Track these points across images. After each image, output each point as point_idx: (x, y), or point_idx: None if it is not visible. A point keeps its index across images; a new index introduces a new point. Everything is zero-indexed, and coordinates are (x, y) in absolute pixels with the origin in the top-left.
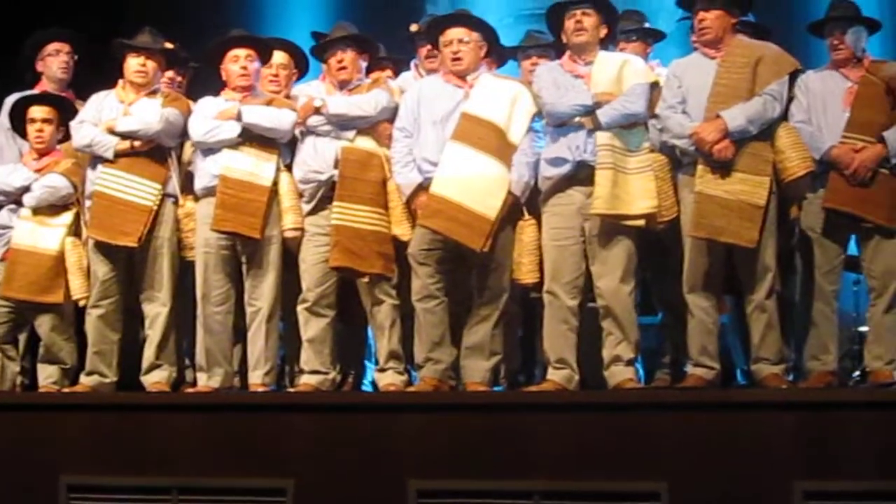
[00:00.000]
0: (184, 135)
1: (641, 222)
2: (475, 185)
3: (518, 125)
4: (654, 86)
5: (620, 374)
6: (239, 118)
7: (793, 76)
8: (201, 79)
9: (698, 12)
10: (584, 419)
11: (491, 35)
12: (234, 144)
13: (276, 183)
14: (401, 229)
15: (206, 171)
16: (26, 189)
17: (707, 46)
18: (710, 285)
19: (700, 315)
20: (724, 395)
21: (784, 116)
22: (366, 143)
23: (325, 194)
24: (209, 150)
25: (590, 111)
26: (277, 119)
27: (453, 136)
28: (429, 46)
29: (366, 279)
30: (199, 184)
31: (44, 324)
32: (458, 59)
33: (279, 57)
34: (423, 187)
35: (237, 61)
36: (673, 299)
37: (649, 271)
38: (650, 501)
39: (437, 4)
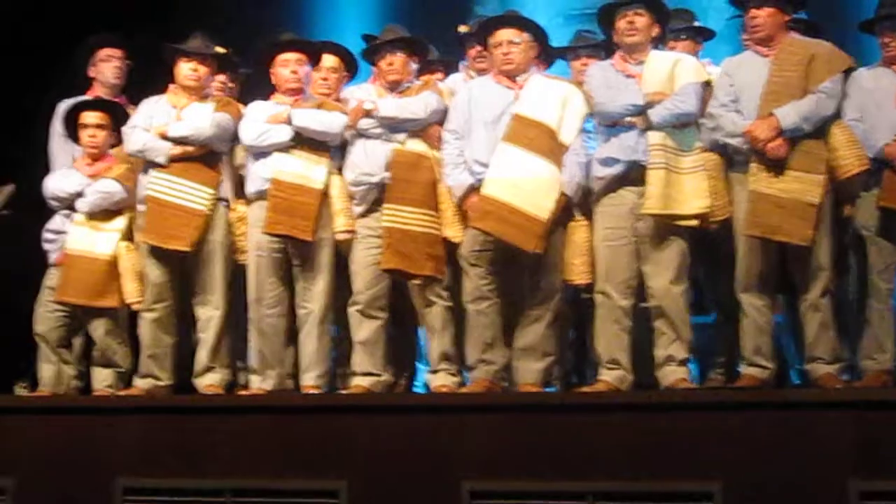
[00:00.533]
0: (235, 139)
1: (695, 222)
2: (527, 187)
3: (569, 126)
4: (707, 85)
5: (673, 374)
6: (290, 122)
7: (846, 73)
8: (252, 83)
9: (750, 10)
10: (637, 420)
11: (541, 36)
12: (285, 148)
13: (327, 186)
14: (452, 231)
15: (257, 175)
16: (80, 194)
17: (759, 44)
18: (764, 284)
19: (754, 314)
20: (779, 395)
21: (838, 114)
22: (416, 146)
23: (376, 197)
24: (260, 153)
25: (641, 111)
26: (328, 122)
27: (504, 137)
28: (478, 47)
29: (417, 281)
30: (251, 187)
31: (98, 328)
32: (509, 60)
33: (329, 60)
34: (474, 189)
35: (287, 65)
36: (726, 298)
37: (702, 271)
38: (703, 502)
39: (486, 5)
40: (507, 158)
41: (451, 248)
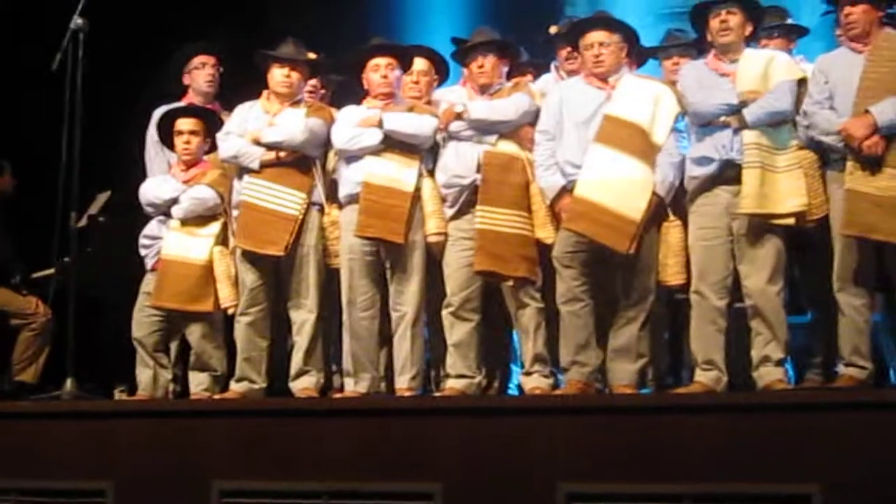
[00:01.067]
0: (327, 144)
1: (791, 221)
2: (619, 187)
3: (661, 126)
4: (801, 82)
5: (770, 375)
6: (381, 125)
7: None
8: (344, 88)
9: (844, 7)
10: (734, 421)
11: (631, 36)
12: (376, 151)
13: (418, 188)
14: (544, 232)
15: (349, 179)
16: (175, 201)
17: (853, 41)
18: (862, 283)
19: (851, 313)
20: (878, 395)
21: None
22: (508, 147)
23: (467, 198)
24: (352, 157)
25: (736, 110)
26: (419, 125)
27: (596, 138)
28: (569, 48)
29: (510, 283)
30: (343, 191)
31: (194, 332)
32: (600, 62)
33: (420, 64)
34: (566, 190)
35: (378, 70)
36: (823, 298)
37: (798, 270)
38: None
39: (577, 6)
40: (600, 159)
41: (543, 249)
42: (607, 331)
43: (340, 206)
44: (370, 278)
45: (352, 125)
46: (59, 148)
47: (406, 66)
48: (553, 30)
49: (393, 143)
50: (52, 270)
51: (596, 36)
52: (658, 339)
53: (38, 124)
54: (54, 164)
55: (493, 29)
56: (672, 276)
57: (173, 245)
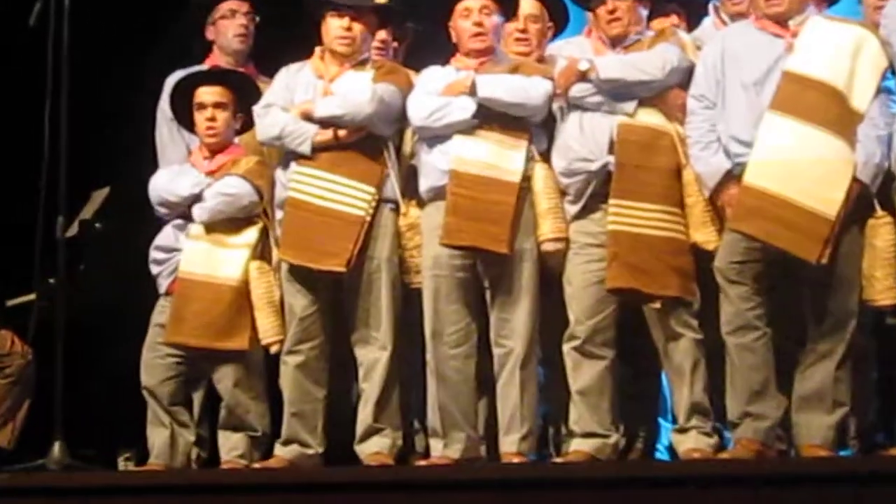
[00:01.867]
0: (403, 119)
1: None
2: (806, 172)
3: (863, 85)
4: None
5: None
6: (474, 92)
7: None
8: (425, 42)
9: None
10: None
11: None
12: (468, 128)
13: (527, 178)
14: (703, 235)
15: (433, 167)
16: (196, 198)
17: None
18: None
19: None
20: None
21: None
22: (651, 118)
23: (596, 190)
24: (437, 137)
25: None
26: (526, 90)
27: (773, 104)
28: None
29: (656, 304)
30: (426, 184)
31: (225, 378)
32: None
33: (528, 6)
34: (732, 176)
35: (470, 15)
36: None
37: None
38: None
39: None
40: (778, 133)
41: (702, 258)
42: (792, 371)
43: (421, 205)
44: (463, 302)
45: (435, 93)
46: (40, 131)
47: (509, 10)
48: None
49: (492, 117)
50: (32, 296)
51: None
52: (863, 380)
53: (10, 100)
54: (34, 154)
55: None
56: (881, 293)
57: (195, 260)
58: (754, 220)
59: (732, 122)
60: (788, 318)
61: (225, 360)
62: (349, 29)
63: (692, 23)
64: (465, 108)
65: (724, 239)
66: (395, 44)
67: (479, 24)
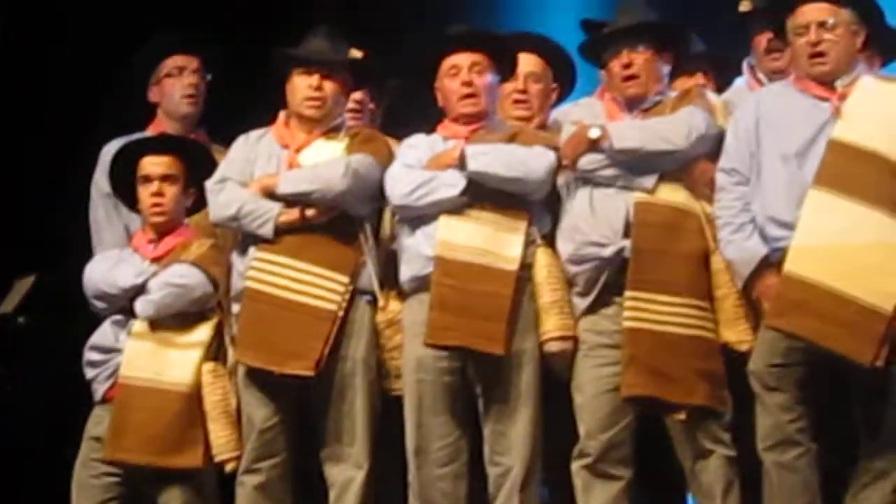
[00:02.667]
0: (382, 196)
1: None
2: (857, 259)
3: None
4: None
5: None
6: (463, 165)
7: None
8: (407, 105)
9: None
10: None
11: (872, 12)
12: (457, 208)
13: (527, 266)
14: (736, 333)
15: (416, 253)
16: (139, 289)
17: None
18: None
19: None
20: None
21: None
22: (674, 196)
23: (610, 280)
24: (420, 218)
25: None
26: (525, 162)
27: (817, 179)
28: (770, 35)
29: (681, 416)
30: (408, 272)
31: (172, 501)
32: (820, 54)
33: (528, 63)
34: (770, 264)
35: (458, 74)
36: None
37: None
38: None
39: None
40: (823, 214)
41: (734, 361)
42: (841, 494)
43: (403, 297)
44: (452, 413)
45: (419, 166)
46: None
47: (506, 68)
48: (744, 6)
49: (485, 195)
50: None
51: (813, 11)
52: None
53: None
54: None
55: (645, 5)
56: None
57: (138, 362)
58: (796, 315)
59: (770, 200)
60: (837, 431)
61: (173, 480)
62: (319, 88)
63: (722, 83)
64: (453, 184)
65: (761, 338)
66: (373, 106)
67: (470, 84)
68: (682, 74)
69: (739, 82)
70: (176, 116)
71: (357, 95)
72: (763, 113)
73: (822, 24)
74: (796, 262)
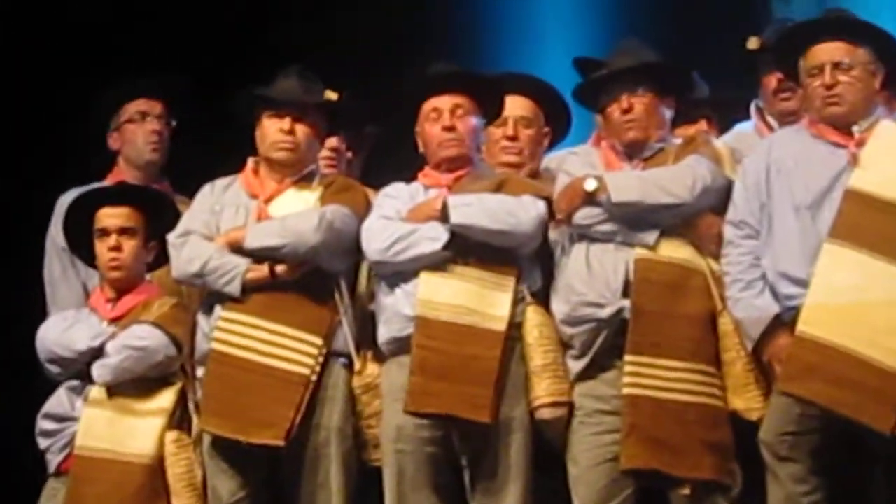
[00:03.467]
0: (359, 250)
1: None
2: (877, 319)
3: None
4: None
5: None
6: (446, 216)
7: None
8: (387, 152)
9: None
10: None
11: (890, 50)
12: (440, 263)
13: (516, 325)
14: (745, 400)
15: (395, 312)
16: (97, 353)
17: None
18: None
19: None
20: None
21: None
22: (677, 251)
23: (608, 343)
24: (399, 274)
25: None
26: (514, 214)
27: (833, 232)
28: (780, 75)
29: (686, 490)
30: (386, 333)
31: None
32: (835, 96)
33: (517, 106)
34: (782, 324)
35: (439, 117)
36: None
37: None
38: None
39: (790, 2)
40: (840, 269)
41: (743, 430)
42: None
43: (381, 360)
44: (434, 486)
45: (397, 217)
46: None
47: (492, 110)
48: (753, 43)
49: (470, 249)
50: None
51: (828, 51)
52: None
53: None
54: None
55: (646, 44)
56: None
57: (96, 431)
58: (810, 380)
59: (782, 255)
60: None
61: None
62: (290, 132)
63: (726, 128)
64: (434, 238)
65: (772, 405)
66: (350, 155)
67: (451, 129)
68: (683, 123)
69: (745, 126)
70: (138, 164)
71: (332, 142)
72: (774, 160)
73: (837, 65)
74: (810, 321)
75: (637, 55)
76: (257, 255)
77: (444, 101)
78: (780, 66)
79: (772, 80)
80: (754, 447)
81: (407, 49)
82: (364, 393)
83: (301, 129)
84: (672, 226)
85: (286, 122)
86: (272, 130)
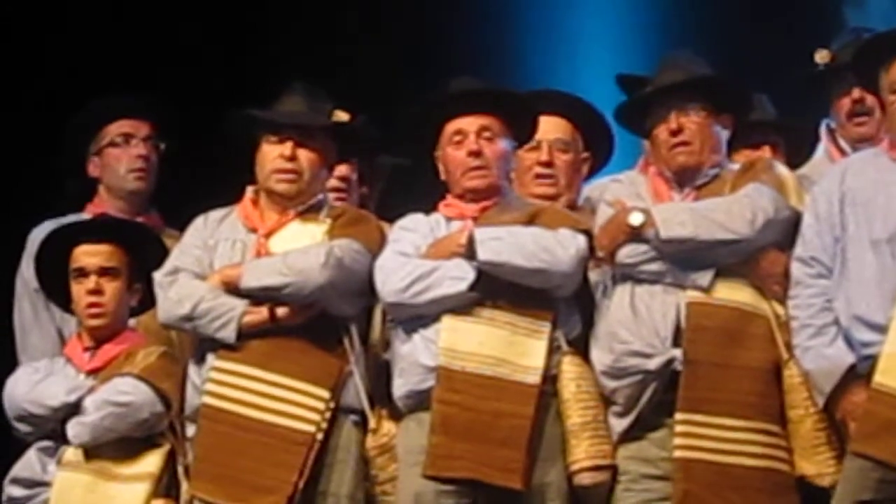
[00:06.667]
0: (372, 292)
1: None
2: None
3: None
4: None
5: None
6: (472, 253)
7: None
8: (406, 183)
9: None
10: None
11: None
12: (465, 306)
13: (552, 378)
14: (815, 465)
15: (413, 362)
16: (73, 409)
17: None
18: None
19: None
20: None
21: None
22: (736, 294)
23: (656, 398)
24: (418, 319)
25: None
26: (550, 250)
27: None
28: (855, 96)
29: None
30: (403, 387)
31: None
32: None
33: (553, 128)
34: (858, 376)
35: (464, 141)
36: None
37: None
38: None
39: (866, 7)
40: None
41: (814, 498)
42: None
43: (398, 417)
44: None
45: (416, 254)
46: None
47: (524, 132)
48: (822, 57)
49: (499, 290)
50: None
51: None
52: None
53: None
54: None
55: (696, 57)
56: None
57: (71, 498)
58: (891, 439)
59: (857, 297)
60: None
61: None
62: (292, 159)
63: (795, 156)
64: (459, 277)
65: (846, 469)
66: (365, 189)
67: (478, 154)
68: (745, 147)
69: (818, 152)
70: (121, 194)
71: (343, 171)
72: (849, 188)
73: None
74: (890, 372)
75: (687, 69)
76: (256, 297)
77: (469, 123)
78: (861, 82)
79: (845, 102)
80: None
81: (429, 66)
82: (378, 455)
83: (305, 156)
84: (729, 264)
85: (287, 148)
86: (271, 157)
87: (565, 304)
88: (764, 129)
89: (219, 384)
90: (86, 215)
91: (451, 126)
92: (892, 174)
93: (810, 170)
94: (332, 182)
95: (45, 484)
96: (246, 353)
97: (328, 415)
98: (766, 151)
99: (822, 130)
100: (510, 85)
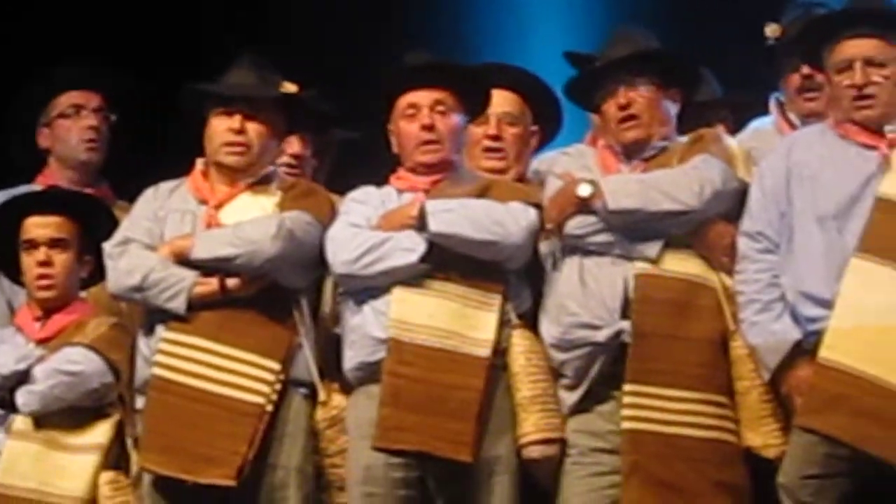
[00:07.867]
0: (323, 263)
1: None
2: None
3: None
4: None
5: None
6: (423, 225)
7: None
8: (357, 156)
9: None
10: None
11: None
12: (415, 278)
13: (501, 351)
14: (761, 436)
15: (363, 334)
16: (22, 378)
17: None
18: None
19: None
20: None
21: None
22: (684, 265)
23: (605, 370)
24: (368, 291)
25: None
26: (500, 223)
27: (861, 245)
28: (805, 69)
29: None
30: (354, 358)
31: None
32: (867, 97)
33: (502, 101)
34: (803, 351)
35: (416, 114)
36: None
37: None
38: None
39: None
40: (870, 288)
41: (760, 470)
42: None
43: (348, 390)
44: None
45: (367, 225)
46: None
47: (475, 106)
48: (772, 31)
49: (450, 262)
50: None
51: (860, 47)
52: None
53: None
54: None
55: (645, 31)
56: None
57: (20, 468)
58: (835, 413)
59: (803, 272)
60: None
61: None
62: (241, 132)
63: (738, 125)
64: (410, 249)
65: (793, 443)
66: (315, 157)
67: (431, 128)
68: (695, 124)
69: (763, 122)
70: (72, 165)
71: (295, 148)
72: (795, 164)
73: (869, 62)
74: (835, 347)
75: (635, 43)
76: (206, 267)
77: (423, 97)
78: (807, 60)
79: (795, 78)
80: (772, 490)
81: (380, 39)
82: (328, 427)
83: (253, 128)
84: (677, 236)
85: (236, 121)
86: (220, 130)
87: (516, 278)
88: (714, 107)
89: (168, 355)
90: (36, 187)
91: (405, 99)
92: (839, 150)
93: (758, 141)
94: (285, 159)
95: None
96: (196, 325)
97: (278, 387)
98: (719, 125)
99: (772, 104)
100: (460, 60)
